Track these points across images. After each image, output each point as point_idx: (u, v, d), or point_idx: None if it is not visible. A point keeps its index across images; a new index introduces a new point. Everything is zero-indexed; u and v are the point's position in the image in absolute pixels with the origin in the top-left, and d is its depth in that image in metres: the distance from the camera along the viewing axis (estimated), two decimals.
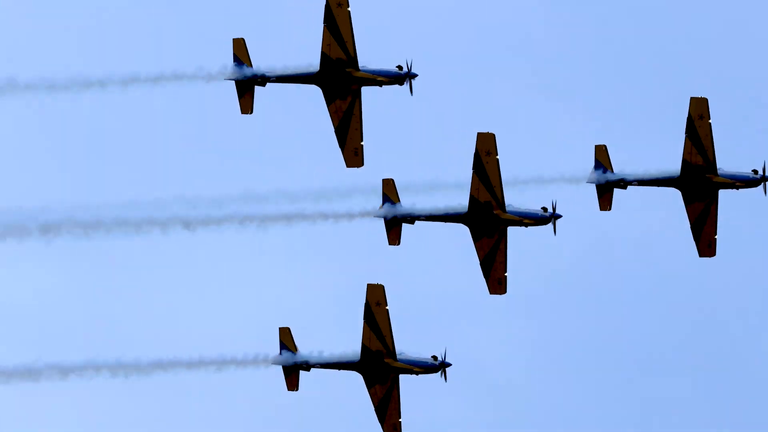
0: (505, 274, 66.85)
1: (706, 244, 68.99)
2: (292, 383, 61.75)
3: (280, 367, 61.34)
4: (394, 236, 64.76)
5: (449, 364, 61.74)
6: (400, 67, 67.71)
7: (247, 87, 68.26)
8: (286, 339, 61.19)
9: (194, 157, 73.89)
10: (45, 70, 70.99)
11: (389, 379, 60.95)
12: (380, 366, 60.72)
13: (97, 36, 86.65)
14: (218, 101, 69.61)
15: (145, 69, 70.16)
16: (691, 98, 67.58)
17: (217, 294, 72.18)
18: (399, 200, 65.40)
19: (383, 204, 64.68)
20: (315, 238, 65.75)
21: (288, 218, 65.30)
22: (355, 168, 67.93)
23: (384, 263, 65.19)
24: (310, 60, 68.35)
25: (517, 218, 65.80)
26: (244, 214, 65.57)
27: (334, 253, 68.93)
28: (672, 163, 69.09)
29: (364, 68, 68.07)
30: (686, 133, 67.82)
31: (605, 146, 67.54)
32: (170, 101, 72.05)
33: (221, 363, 61.41)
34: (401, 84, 67.79)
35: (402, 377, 61.40)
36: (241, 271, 73.18)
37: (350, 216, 65.84)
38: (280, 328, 61.67)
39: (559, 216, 66.33)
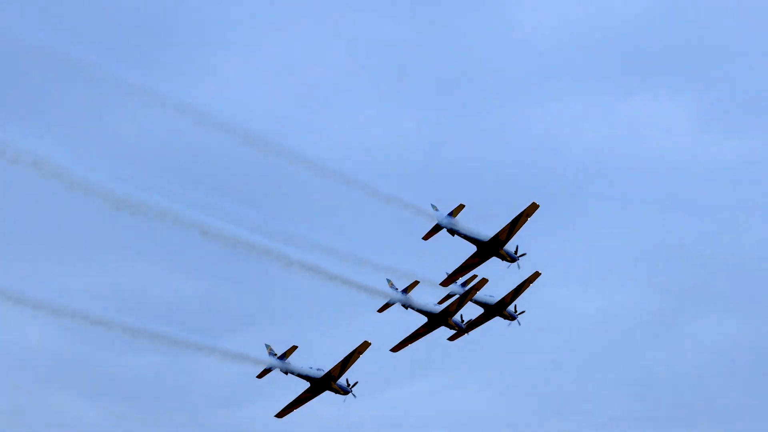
0: None
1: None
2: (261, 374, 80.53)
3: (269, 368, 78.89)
4: None
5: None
6: None
7: None
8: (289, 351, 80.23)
9: None
10: None
11: (319, 393, 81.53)
12: (325, 385, 79.86)
13: None
14: None
15: None
16: (532, 203, 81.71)
17: None
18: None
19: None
20: None
21: None
22: None
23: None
24: None
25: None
26: None
27: None
28: None
29: None
30: (510, 222, 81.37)
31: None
32: None
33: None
34: None
35: (326, 394, 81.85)
36: None
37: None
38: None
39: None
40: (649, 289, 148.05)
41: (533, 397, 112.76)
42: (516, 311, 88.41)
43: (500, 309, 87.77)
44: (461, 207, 79.37)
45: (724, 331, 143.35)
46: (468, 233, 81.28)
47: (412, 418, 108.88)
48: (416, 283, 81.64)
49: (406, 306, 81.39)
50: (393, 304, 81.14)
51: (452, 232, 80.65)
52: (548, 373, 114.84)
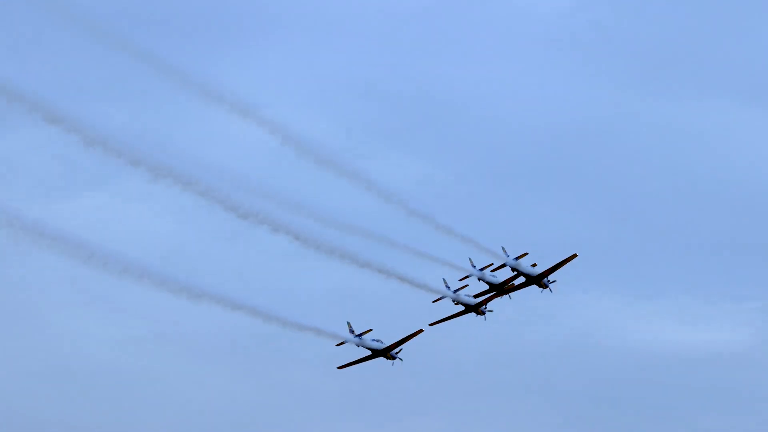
0: None
1: None
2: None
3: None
4: None
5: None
6: None
7: None
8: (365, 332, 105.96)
9: None
10: None
11: (375, 358, 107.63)
12: (383, 354, 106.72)
13: None
14: None
15: None
16: (573, 254, 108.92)
17: None
18: None
19: None
20: None
21: None
22: None
23: None
24: None
25: None
26: None
27: None
28: None
29: None
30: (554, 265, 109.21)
31: None
32: None
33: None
34: None
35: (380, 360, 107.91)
36: None
37: None
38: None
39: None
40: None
41: None
42: (549, 281, 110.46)
43: (539, 279, 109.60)
44: (525, 254, 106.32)
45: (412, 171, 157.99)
46: (526, 271, 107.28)
47: None
48: (466, 285, 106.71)
49: (455, 301, 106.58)
50: (444, 298, 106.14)
51: (514, 269, 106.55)
52: None
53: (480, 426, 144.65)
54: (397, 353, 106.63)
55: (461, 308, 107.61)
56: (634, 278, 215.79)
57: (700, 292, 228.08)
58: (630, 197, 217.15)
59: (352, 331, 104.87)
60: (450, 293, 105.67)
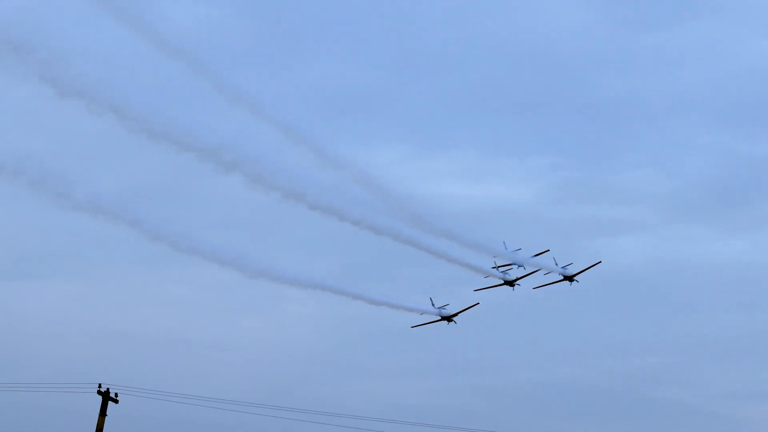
0: None
1: None
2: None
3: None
4: None
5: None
6: None
7: None
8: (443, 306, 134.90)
9: None
10: None
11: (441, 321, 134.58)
12: (448, 319, 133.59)
13: None
14: None
15: None
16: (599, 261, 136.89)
17: None
18: None
19: None
20: None
21: None
22: None
23: None
24: None
25: None
26: None
27: None
28: None
29: None
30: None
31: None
32: None
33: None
34: None
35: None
36: None
37: None
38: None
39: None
40: None
41: None
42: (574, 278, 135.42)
43: (571, 278, 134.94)
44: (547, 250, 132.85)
45: None
46: (565, 274, 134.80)
47: None
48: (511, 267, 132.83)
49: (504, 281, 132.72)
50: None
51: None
52: None
53: None
54: (453, 317, 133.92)
55: (499, 282, 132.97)
56: (422, 132, 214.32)
57: (485, 148, 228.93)
58: (420, 54, 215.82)
59: (433, 305, 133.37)
60: (499, 274, 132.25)
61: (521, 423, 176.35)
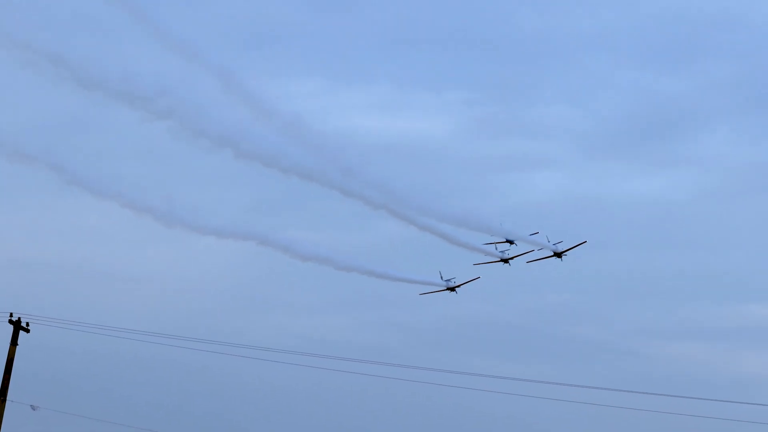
0: None
1: None
2: None
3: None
4: None
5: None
6: None
7: None
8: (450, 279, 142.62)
9: None
10: None
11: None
12: (452, 290, 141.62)
13: None
14: None
15: None
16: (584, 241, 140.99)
17: None
18: None
19: None
20: None
21: None
22: None
23: None
24: None
25: None
26: None
27: None
28: None
29: None
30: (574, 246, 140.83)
31: None
32: None
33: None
34: None
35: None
36: None
37: None
38: None
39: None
40: None
41: None
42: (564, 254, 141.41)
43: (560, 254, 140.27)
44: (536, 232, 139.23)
45: None
46: (555, 251, 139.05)
47: None
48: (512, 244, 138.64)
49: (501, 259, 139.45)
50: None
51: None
52: None
53: None
54: (457, 287, 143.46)
55: (496, 259, 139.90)
56: (338, 64, 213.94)
57: (401, 81, 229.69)
58: None
59: (442, 278, 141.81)
60: (497, 253, 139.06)
61: (436, 359, 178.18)
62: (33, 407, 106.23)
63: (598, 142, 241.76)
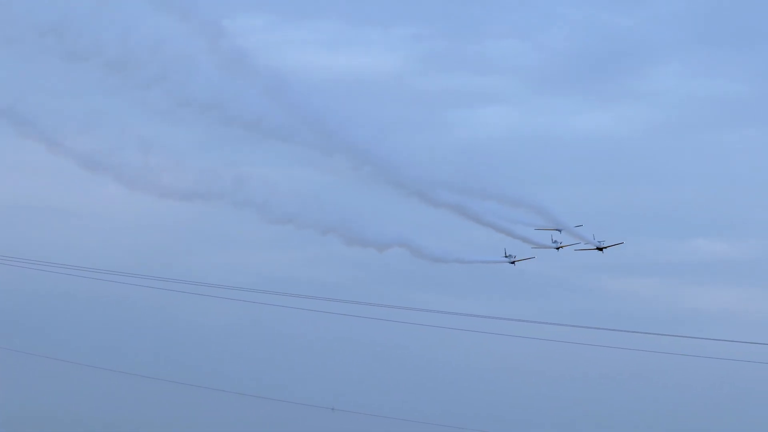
0: None
1: None
2: None
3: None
4: None
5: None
6: None
7: None
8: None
9: None
10: None
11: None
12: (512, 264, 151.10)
13: None
14: None
15: None
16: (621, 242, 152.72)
17: None
18: None
19: None
20: None
21: None
22: None
23: None
24: None
25: None
26: None
27: None
28: None
29: None
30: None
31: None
32: None
33: None
34: None
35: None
36: None
37: None
38: None
39: None
40: None
41: None
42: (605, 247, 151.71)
43: (602, 249, 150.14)
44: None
45: None
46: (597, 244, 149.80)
47: None
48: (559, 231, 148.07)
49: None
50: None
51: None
52: None
53: None
54: (515, 261, 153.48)
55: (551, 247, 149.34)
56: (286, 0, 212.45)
57: (349, 17, 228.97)
58: None
59: (507, 255, 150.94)
60: (551, 244, 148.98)
61: (395, 295, 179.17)
62: None
63: (548, 77, 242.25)
